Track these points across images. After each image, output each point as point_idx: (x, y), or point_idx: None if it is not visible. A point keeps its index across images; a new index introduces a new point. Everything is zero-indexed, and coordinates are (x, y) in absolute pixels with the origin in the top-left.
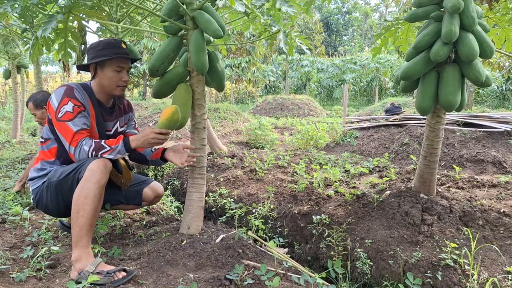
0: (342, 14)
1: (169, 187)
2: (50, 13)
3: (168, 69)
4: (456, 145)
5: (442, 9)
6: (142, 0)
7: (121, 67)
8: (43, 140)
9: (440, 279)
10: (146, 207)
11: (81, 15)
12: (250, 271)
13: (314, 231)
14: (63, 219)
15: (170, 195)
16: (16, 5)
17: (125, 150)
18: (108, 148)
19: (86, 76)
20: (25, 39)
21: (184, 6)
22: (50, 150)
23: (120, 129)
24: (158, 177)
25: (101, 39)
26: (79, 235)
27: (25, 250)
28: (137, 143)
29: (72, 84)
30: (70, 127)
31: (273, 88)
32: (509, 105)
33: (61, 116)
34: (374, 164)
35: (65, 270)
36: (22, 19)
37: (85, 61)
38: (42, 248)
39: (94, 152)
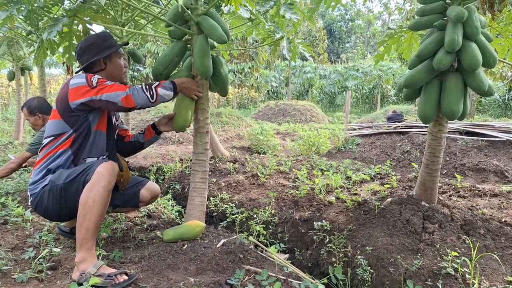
0: (345, 22)
1: (170, 191)
2: (55, 16)
3: (172, 73)
4: (458, 153)
5: (445, 18)
6: (147, 5)
7: (121, 54)
8: (52, 138)
9: (440, 287)
10: (147, 211)
11: (86, 18)
12: (251, 276)
13: (315, 237)
14: (61, 224)
15: (171, 199)
16: (22, 8)
17: (172, 87)
18: (157, 83)
19: None
20: (29, 41)
21: (189, 11)
22: (65, 142)
23: (116, 123)
24: (160, 181)
25: (88, 36)
26: (84, 237)
27: (27, 251)
28: (180, 86)
29: None
30: (110, 83)
31: (275, 94)
32: (511, 115)
33: (96, 83)
34: (375, 171)
35: (66, 272)
36: (28, 22)
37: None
38: (43, 249)
39: (147, 87)
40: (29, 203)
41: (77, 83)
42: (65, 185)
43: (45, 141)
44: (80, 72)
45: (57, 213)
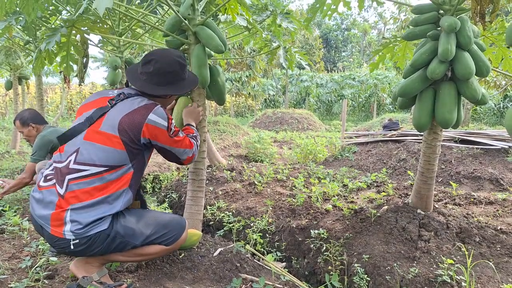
0: (341, 31)
1: (167, 200)
2: (53, 26)
3: None
4: (453, 161)
5: (438, 28)
6: (144, 15)
7: None
8: (106, 169)
9: None
10: None
11: (83, 28)
12: (248, 285)
13: (312, 246)
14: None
15: (168, 208)
16: (21, 18)
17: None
18: (195, 132)
19: (86, 88)
20: (27, 51)
21: (187, 21)
22: (121, 178)
23: None
24: (156, 189)
25: (170, 58)
26: (109, 261)
27: (24, 260)
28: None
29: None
30: (182, 136)
31: (272, 102)
32: None
33: (173, 132)
34: (372, 179)
35: (63, 281)
36: (26, 32)
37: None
38: (40, 258)
39: (198, 143)
40: (71, 247)
41: (158, 123)
42: (141, 245)
43: (92, 170)
44: (143, 98)
45: (100, 254)
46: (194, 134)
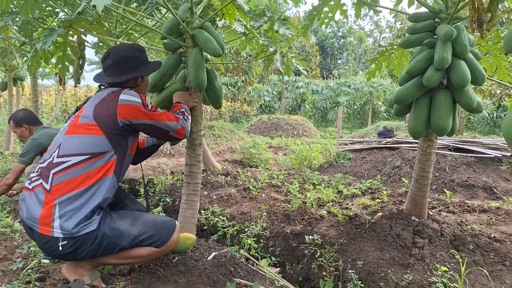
0: (337, 38)
1: (161, 203)
2: (49, 27)
3: (166, 85)
4: (447, 169)
5: (435, 37)
6: (141, 18)
7: None
8: (87, 157)
9: None
10: None
11: (81, 30)
12: None
13: (306, 251)
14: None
15: (161, 212)
16: (17, 19)
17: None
18: (183, 109)
19: (81, 90)
20: (23, 52)
21: (185, 24)
22: (104, 165)
23: None
24: (150, 193)
25: (128, 47)
26: (100, 264)
27: (15, 262)
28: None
29: None
30: (161, 111)
31: (268, 108)
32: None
33: (151, 108)
34: (366, 186)
35: (55, 283)
36: (22, 33)
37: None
38: (32, 260)
39: (186, 116)
40: (59, 248)
41: (130, 101)
42: (130, 246)
43: (73, 160)
44: (109, 86)
45: (90, 257)
46: (181, 110)
